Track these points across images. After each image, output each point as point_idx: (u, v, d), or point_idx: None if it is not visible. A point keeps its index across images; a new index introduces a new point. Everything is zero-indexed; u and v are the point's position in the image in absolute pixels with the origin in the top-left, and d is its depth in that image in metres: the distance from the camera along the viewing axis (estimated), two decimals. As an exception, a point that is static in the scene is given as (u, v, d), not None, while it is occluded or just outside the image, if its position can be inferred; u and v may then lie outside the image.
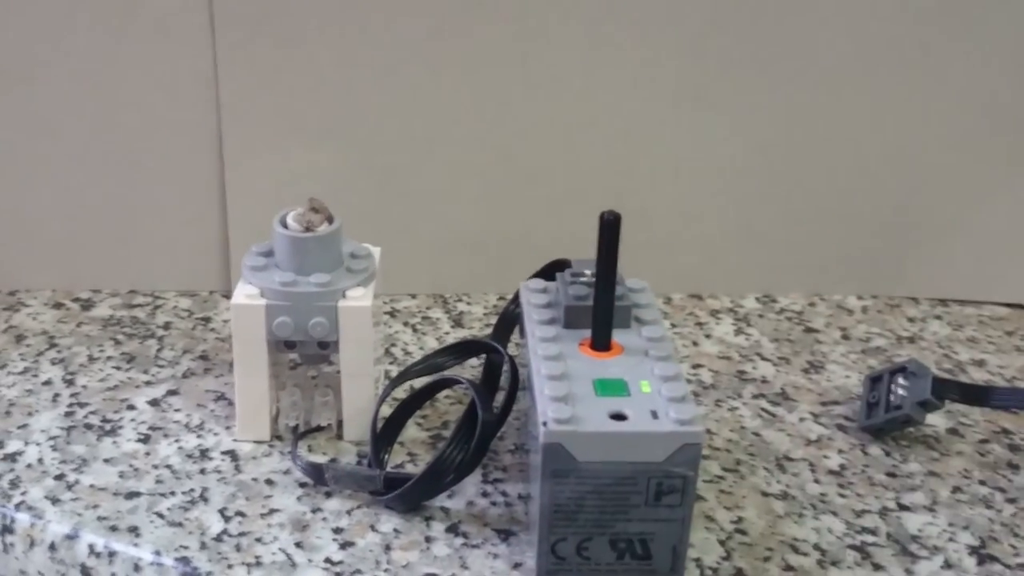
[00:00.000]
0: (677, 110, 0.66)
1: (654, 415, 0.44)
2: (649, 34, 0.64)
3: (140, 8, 0.62)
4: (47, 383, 0.59)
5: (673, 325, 0.67)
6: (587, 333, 0.48)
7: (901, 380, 0.55)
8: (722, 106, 0.66)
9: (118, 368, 0.60)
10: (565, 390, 0.44)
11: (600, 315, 0.47)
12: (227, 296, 0.68)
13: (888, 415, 0.55)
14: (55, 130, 0.65)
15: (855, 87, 0.66)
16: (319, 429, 0.54)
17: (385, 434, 0.53)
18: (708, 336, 0.66)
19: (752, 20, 0.64)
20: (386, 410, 0.53)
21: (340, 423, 0.54)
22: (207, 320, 0.66)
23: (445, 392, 0.57)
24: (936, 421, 0.57)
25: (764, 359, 0.63)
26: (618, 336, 0.48)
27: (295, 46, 0.63)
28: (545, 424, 0.43)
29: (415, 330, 0.65)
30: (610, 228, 0.45)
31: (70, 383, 0.59)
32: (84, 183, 0.66)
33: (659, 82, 0.65)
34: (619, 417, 0.44)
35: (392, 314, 0.67)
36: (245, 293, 0.51)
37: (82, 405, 0.57)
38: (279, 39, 0.63)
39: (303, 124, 0.65)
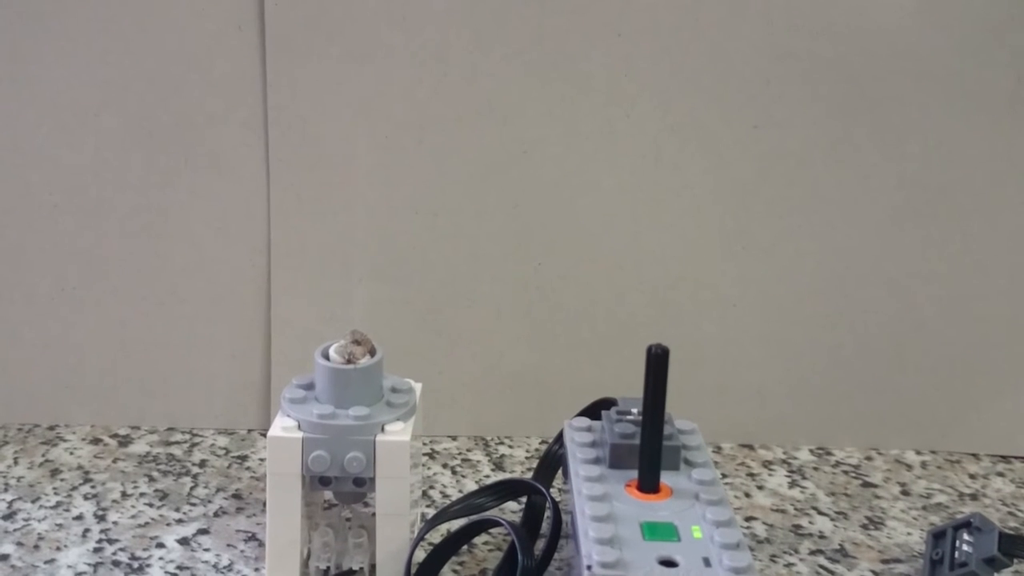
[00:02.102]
0: (725, 255, 0.65)
1: (706, 562, 0.41)
2: (696, 178, 0.64)
3: (198, 146, 0.64)
4: (78, 518, 0.57)
5: (724, 475, 0.64)
6: (634, 474, 0.46)
7: (966, 536, 0.52)
8: (772, 252, 0.65)
9: (150, 505, 0.59)
10: (611, 532, 0.42)
11: (648, 454, 0.45)
12: (265, 434, 0.67)
13: (953, 574, 0.51)
14: (103, 263, 0.66)
15: (910, 234, 0.65)
16: (351, 573, 0.52)
17: (420, 580, 0.50)
18: (761, 488, 0.63)
19: (800, 164, 0.64)
20: (420, 555, 0.51)
21: (373, 567, 0.52)
22: (243, 458, 0.65)
23: (484, 538, 0.55)
24: (1006, 582, 0.53)
25: (821, 513, 0.60)
26: (667, 478, 0.46)
27: (345, 186, 0.64)
28: (590, 568, 0.40)
29: (454, 472, 0.63)
30: (658, 362, 0.43)
31: (101, 519, 0.57)
32: (129, 318, 0.66)
33: (706, 226, 0.65)
34: (669, 563, 0.41)
35: (431, 455, 0.65)
36: (282, 426, 0.50)
37: (111, 541, 0.55)
38: (330, 179, 0.64)
39: (352, 264, 0.65)
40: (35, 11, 0.62)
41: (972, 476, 0.66)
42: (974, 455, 0.68)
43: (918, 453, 0.68)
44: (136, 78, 0.63)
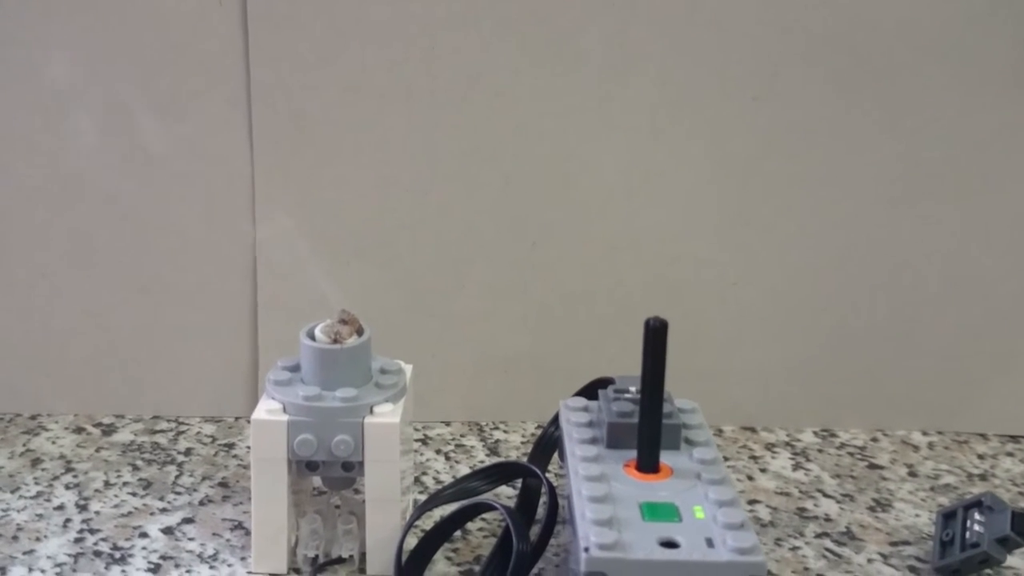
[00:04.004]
0: (725, 232, 0.63)
1: (709, 543, 0.40)
2: (695, 153, 0.62)
3: (180, 129, 0.62)
4: (59, 508, 0.56)
5: (726, 458, 0.62)
6: (632, 454, 0.44)
7: (977, 516, 0.50)
8: (773, 228, 0.63)
9: (134, 494, 0.57)
10: (609, 513, 0.40)
11: (647, 432, 0.43)
12: (254, 422, 0.65)
13: (964, 554, 0.50)
14: (85, 248, 0.64)
15: (915, 210, 0.63)
16: (340, 561, 0.50)
17: (411, 568, 0.49)
18: (764, 471, 0.61)
19: (802, 138, 0.62)
20: (412, 541, 0.49)
21: (363, 555, 0.50)
22: (230, 446, 0.63)
23: (478, 523, 0.53)
24: (1018, 563, 0.52)
25: (827, 496, 0.59)
26: (667, 457, 0.44)
27: (332, 165, 0.62)
28: (587, 550, 0.39)
29: (448, 458, 0.62)
30: (656, 335, 0.41)
31: (83, 508, 0.56)
32: (112, 304, 0.65)
33: (706, 202, 0.63)
34: (670, 544, 0.40)
35: (424, 441, 0.63)
36: (266, 409, 0.48)
37: (93, 532, 0.54)
38: (316, 159, 0.62)
39: (340, 244, 0.63)
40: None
41: (980, 456, 0.64)
42: (982, 435, 0.66)
43: (925, 434, 0.66)
44: (116, 56, 0.61)
